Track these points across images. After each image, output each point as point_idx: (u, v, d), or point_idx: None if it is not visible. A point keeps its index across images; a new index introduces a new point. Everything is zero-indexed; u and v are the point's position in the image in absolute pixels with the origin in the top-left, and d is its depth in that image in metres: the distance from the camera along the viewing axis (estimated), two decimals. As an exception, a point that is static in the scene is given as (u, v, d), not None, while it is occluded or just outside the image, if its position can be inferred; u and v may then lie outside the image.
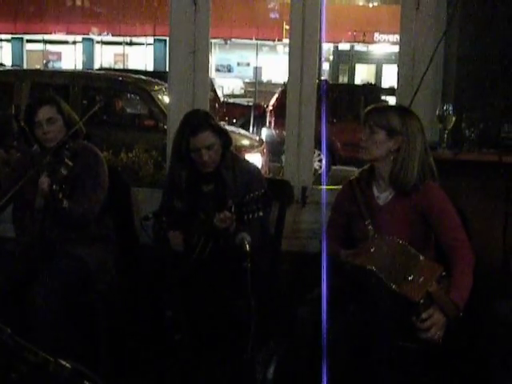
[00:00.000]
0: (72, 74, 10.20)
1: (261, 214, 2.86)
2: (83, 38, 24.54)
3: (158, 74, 11.24)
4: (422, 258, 2.69)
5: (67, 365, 1.13)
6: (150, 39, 23.80)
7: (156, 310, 3.03)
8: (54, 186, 3.05)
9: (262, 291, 3.02)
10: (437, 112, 3.41)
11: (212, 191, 3.30)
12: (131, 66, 23.04)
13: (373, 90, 12.99)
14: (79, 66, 23.32)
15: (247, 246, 2.57)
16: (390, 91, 11.69)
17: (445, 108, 3.37)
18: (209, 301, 2.97)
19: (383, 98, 12.38)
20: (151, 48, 24.27)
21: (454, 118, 3.37)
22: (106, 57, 25.12)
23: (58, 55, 25.37)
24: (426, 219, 2.85)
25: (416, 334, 2.60)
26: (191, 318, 2.98)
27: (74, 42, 24.96)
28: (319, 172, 10.68)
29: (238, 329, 2.79)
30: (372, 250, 2.73)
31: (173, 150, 3.34)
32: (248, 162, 3.53)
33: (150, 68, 22.29)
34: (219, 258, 3.05)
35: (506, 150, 3.28)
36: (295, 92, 3.93)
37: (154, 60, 23.58)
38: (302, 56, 3.89)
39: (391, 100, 9.95)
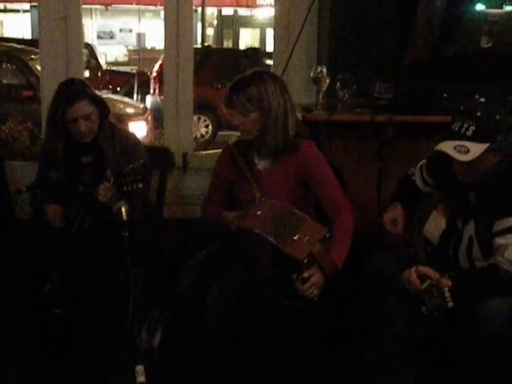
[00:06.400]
0: None
1: (140, 185, 2.83)
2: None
3: (36, 42, 10.78)
4: (308, 219, 2.74)
5: None
6: (26, 5, 22.74)
7: (34, 286, 2.96)
8: None
9: (145, 260, 3.01)
10: (311, 74, 3.46)
11: (90, 162, 3.24)
12: (8, 34, 21.98)
13: (256, 54, 12.94)
14: None
15: (124, 214, 2.53)
16: (274, 55, 11.70)
17: (318, 70, 3.42)
18: (89, 273, 2.93)
19: (267, 62, 12.40)
20: (28, 15, 23.24)
21: (327, 80, 3.43)
22: (-21, 25, 23.90)
23: None
24: (305, 182, 2.90)
25: (294, 292, 2.66)
26: (71, 292, 2.93)
27: None
28: (206, 138, 10.66)
29: (119, 299, 2.76)
30: (258, 213, 2.75)
31: (48, 120, 3.23)
32: (127, 131, 3.47)
33: (28, 36, 21.35)
34: (98, 230, 3.00)
35: (378, 109, 3.37)
36: (172, 57, 3.88)
37: (32, 27, 22.58)
38: (178, 21, 3.85)
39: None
